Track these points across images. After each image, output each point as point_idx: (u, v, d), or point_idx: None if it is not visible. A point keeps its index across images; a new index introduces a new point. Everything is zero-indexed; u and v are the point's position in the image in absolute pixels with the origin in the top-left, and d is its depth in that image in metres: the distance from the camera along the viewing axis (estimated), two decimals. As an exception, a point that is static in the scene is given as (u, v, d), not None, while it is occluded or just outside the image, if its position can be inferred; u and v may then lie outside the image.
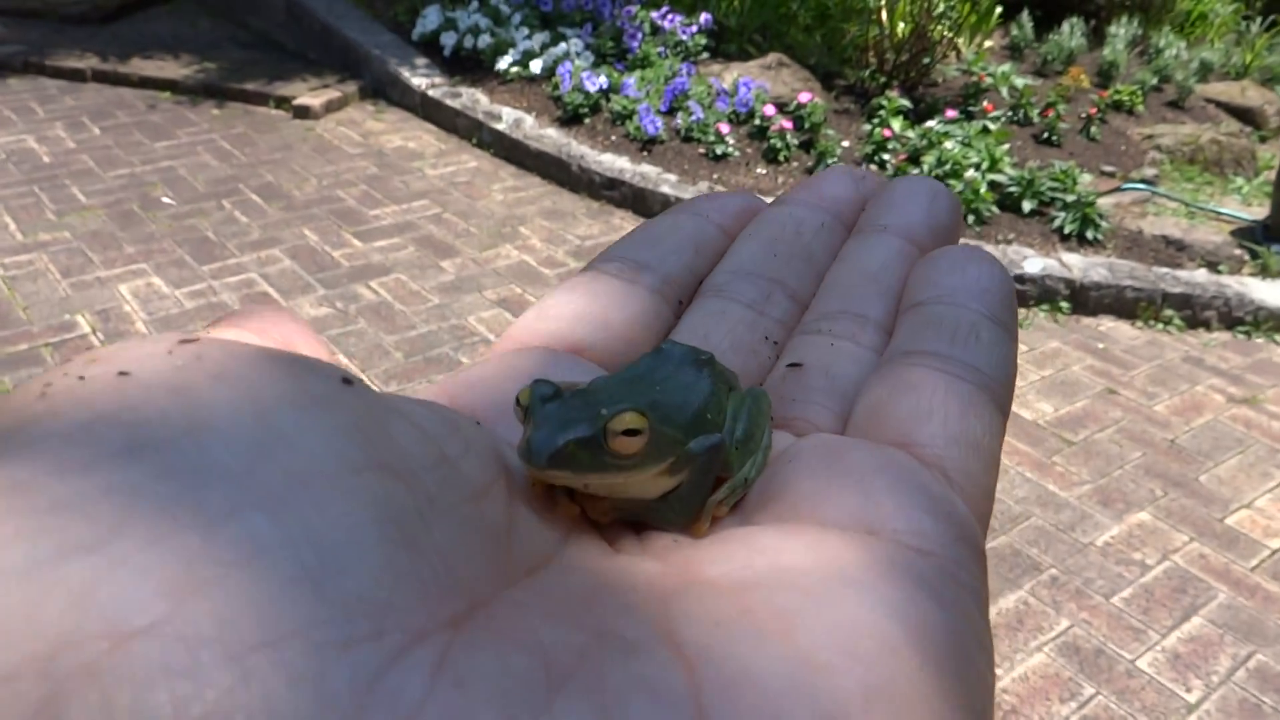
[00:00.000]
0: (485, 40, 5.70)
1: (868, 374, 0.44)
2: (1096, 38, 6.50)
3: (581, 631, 0.27)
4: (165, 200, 4.48)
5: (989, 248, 4.03)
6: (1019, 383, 3.46)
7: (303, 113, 5.49)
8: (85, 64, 5.97)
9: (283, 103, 5.59)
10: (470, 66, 5.72)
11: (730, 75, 5.32)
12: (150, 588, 0.21)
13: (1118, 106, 5.61)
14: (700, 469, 0.39)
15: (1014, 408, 3.31)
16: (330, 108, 5.58)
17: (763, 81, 5.18)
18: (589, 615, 0.28)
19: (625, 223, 4.49)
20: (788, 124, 4.87)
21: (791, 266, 0.51)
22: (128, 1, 7.05)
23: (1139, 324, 3.92)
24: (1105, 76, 6.03)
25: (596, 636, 0.26)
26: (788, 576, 0.30)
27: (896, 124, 4.89)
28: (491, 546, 0.30)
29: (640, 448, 0.37)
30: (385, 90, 5.76)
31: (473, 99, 5.36)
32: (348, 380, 0.30)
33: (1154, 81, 5.95)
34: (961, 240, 0.50)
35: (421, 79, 5.55)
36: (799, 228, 0.52)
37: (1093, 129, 5.27)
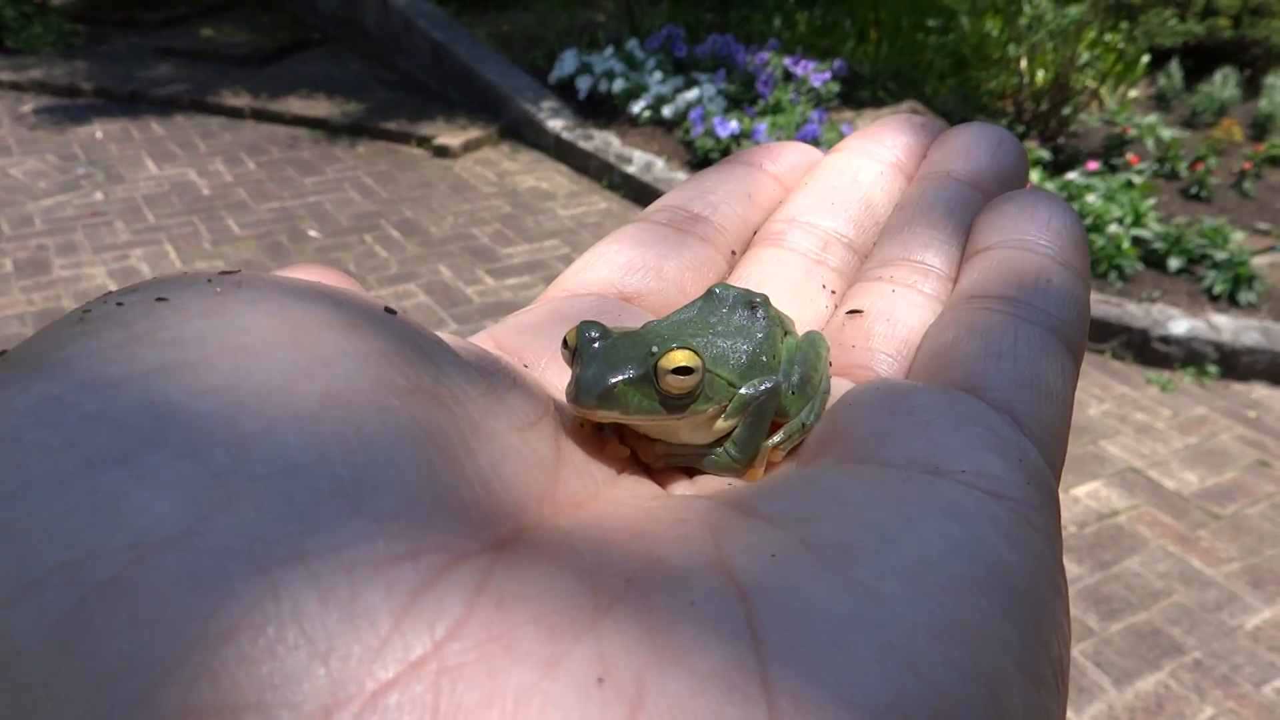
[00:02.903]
0: (619, 84, 5.82)
1: (930, 320, 0.42)
2: (1252, 88, 6.21)
3: (630, 559, 0.26)
4: (311, 234, 4.71)
5: (1131, 308, 3.87)
6: (1160, 448, 3.30)
7: (442, 152, 5.69)
8: (244, 102, 6.34)
9: (424, 142, 5.82)
10: (604, 110, 5.84)
11: (863, 122, 5.29)
12: (178, 500, 0.21)
13: (1274, 161, 5.33)
14: (756, 413, 0.38)
15: (1156, 476, 3.16)
16: (468, 147, 5.77)
17: (896, 129, 5.13)
18: (637, 544, 0.27)
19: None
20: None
21: (850, 214, 0.49)
22: (285, 44, 7.47)
23: (1295, 393, 3.70)
24: (1260, 129, 5.75)
25: (646, 564, 0.25)
26: (849, 512, 0.29)
27: (1035, 175, 4.77)
28: (538, 475, 0.30)
29: (693, 386, 0.36)
30: (521, 131, 5.93)
31: (605, 142, 5.46)
32: (391, 310, 0.30)
33: (1315, 135, 5.65)
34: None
35: (556, 121, 5.69)
36: (857, 175, 0.50)
37: (1246, 184, 5.03)
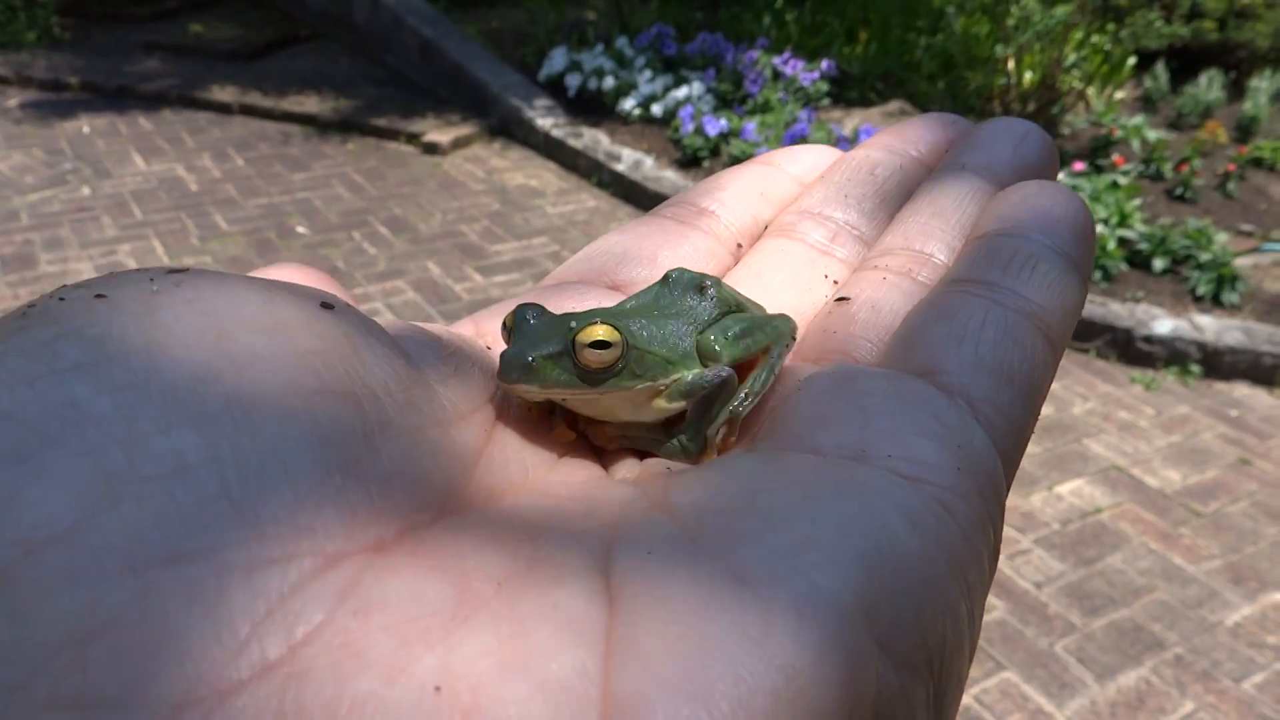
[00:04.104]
0: (609, 82, 5.82)
1: None
2: (1237, 91, 6.26)
3: (514, 559, 0.26)
4: (300, 230, 4.70)
5: (1115, 307, 3.90)
6: (1143, 446, 3.33)
7: (431, 149, 5.69)
8: (232, 98, 6.32)
9: (413, 139, 5.81)
10: (593, 108, 5.85)
11: (851, 122, 5.31)
12: (67, 498, 0.22)
13: (1258, 163, 5.38)
14: (704, 401, 0.39)
15: (1138, 474, 3.18)
16: (457, 144, 5.77)
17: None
18: (528, 544, 0.27)
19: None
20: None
21: (862, 208, 0.49)
22: (274, 39, 7.45)
23: (1277, 392, 3.73)
24: (1245, 131, 5.80)
25: (525, 566, 0.26)
26: (753, 500, 0.29)
27: (1021, 175, 4.79)
28: (450, 471, 0.30)
29: (611, 361, 0.37)
30: (510, 129, 5.93)
31: (594, 139, 5.47)
32: (328, 305, 0.31)
33: (1299, 137, 5.70)
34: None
35: (545, 119, 5.69)
36: (873, 170, 0.50)
37: (1230, 186, 5.07)
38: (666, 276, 0.42)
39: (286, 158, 5.61)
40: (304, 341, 0.28)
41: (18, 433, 0.23)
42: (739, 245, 0.49)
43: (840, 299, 0.43)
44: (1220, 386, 3.77)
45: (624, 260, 0.47)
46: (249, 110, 6.25)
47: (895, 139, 0.52)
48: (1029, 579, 2.70)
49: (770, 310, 0.45)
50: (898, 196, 0.49)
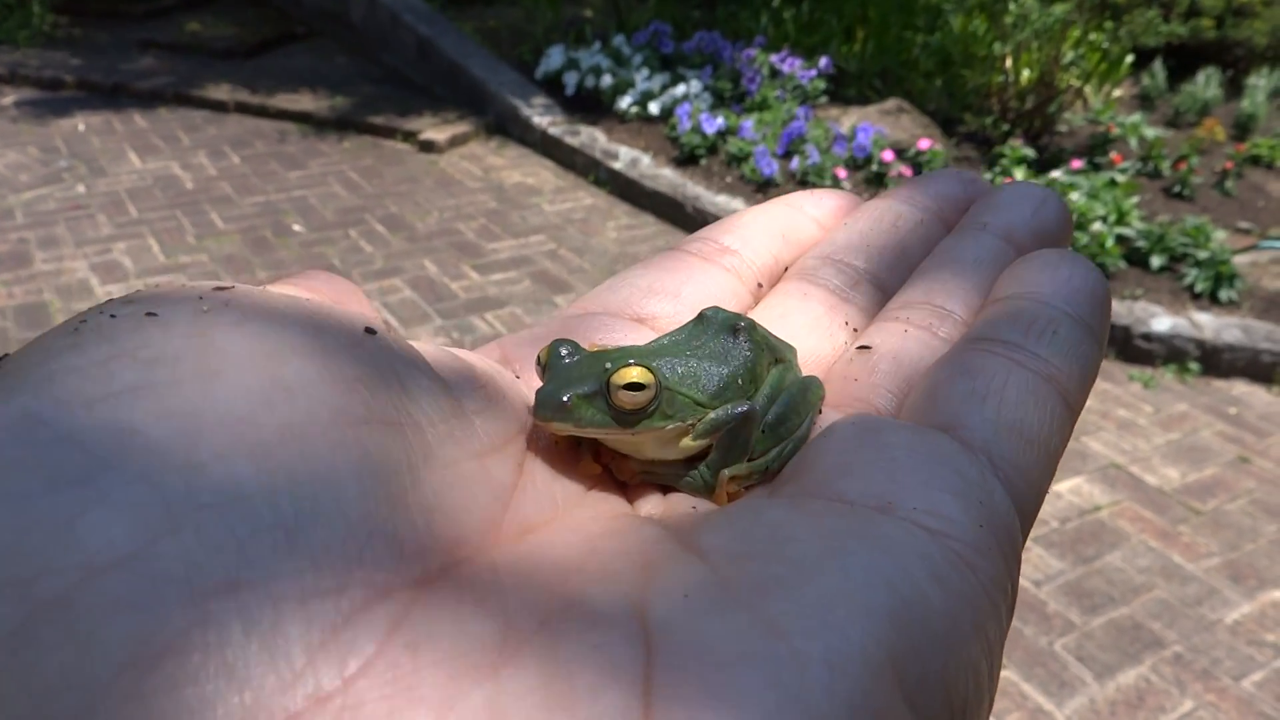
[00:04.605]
0: (606, 80, 5.81)
1: None
2: (1234, 88, 6.26)
3: (552, 598, 0.26)
4: (296, 228, 4.69)
5: (1114, 305, 3.89)
6: (1141, 444, 3.33)
7: (428, 147, 5.67)
8: (228, 96, 6.31)
9: (409, 137, 5.80)
10: (590, 106, 5.84)
11: (849, 120, 5.31)
12: (128, 524, 0.22)
13: (1255, 161, 5.38)
14: (728, 436, 0.39)
15: (1137, 472, 3.18)
16: (454, 142, 5.76)
17: (881, 127, 5.15)
18: (565, 583, 0.28)
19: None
20: (906, 170, 4.82)
21: (884, 258, 0.49)
22: (270, 37, 7.44)
23: (1276, 390, 3.73)
24: (1243, 129, 5.80)
25: (564, 604, 0.26)
26: (782, 548, 0.29)
27: (1019, 173, 4.79)
28: (488, 503, 0.31)
29: (645, 402, 0.37)
30: (507, 127, 5.92)
31: (591, 137, 5.46)
32: (371, 330, 0.31)
33: (1296, 135, 5.70)
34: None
35: (542, 117, 5.68)
36: (896, 221, 0.51)
37: (1228, 184, 5.06)
38: (701, 315, 0.42)
39: (283, 156, 5.59)
40: (350, 368, 0.28)
41: (77, 456, 0.23)
42: (759, 285, 0.50)
43: (861, 347, 0.44)
44: (1219, 384, 3.76)
45: (649, 294, 0.48)
46: (245, 108, 6.24)
47: (917, 192, 0.53)
48: (1028, 577, 2.70)
49: (792, 342, 0.45)
50: (917, 249, 0.50)
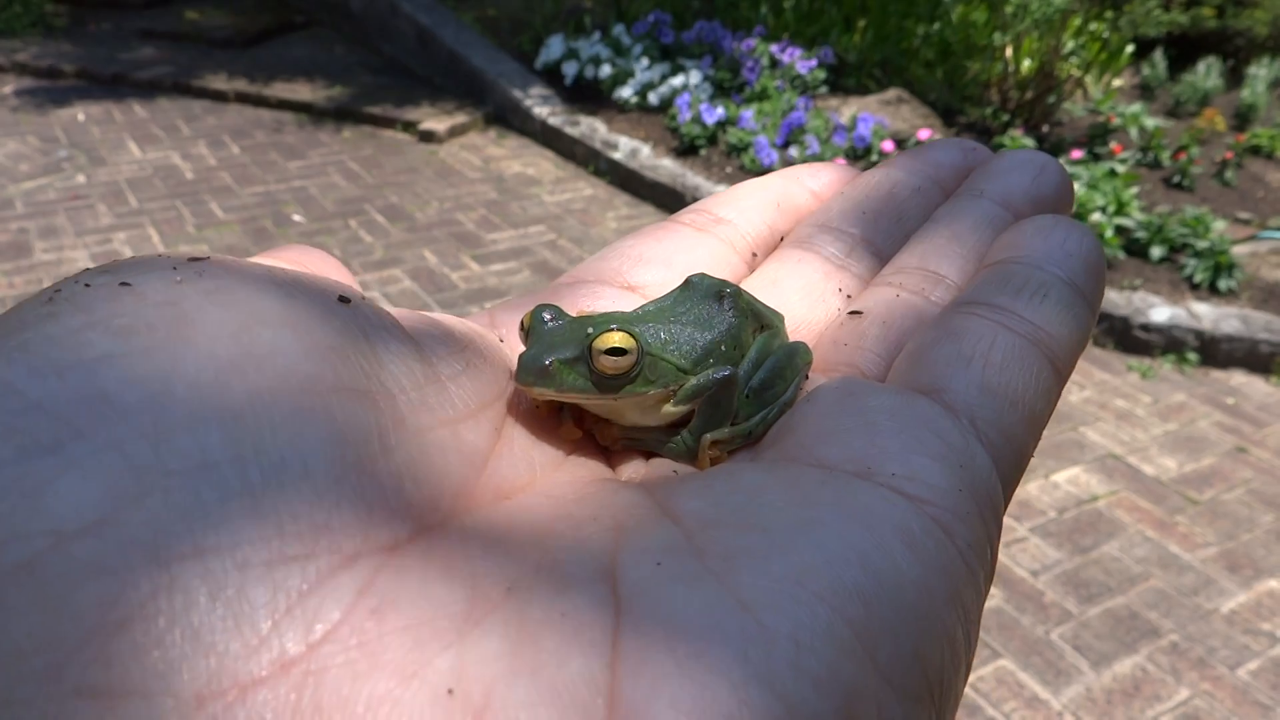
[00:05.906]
0: (606, 70, 5.80)
1: None
2: (1234, 78, 6.25)
3: (522, 563, 0.26)
4: (296, 218, 4.69)
5: (1112, 295, 3.90)
6: (1139, 434, 3.34)
7: (428, 137, 5.67)
8: (228, 86, 6.29)
9: (409, 127, 5.79)
10: (590, 96, 5.83)
11: (848, 110, 5.30)
12: (96, 491, 0.22)
13: (1255, 151, 5.38)
14: (710, 401, 0.39)
15: (1135, 462, 3.19)
16: (454, 133, 5.75)
17: (881, 117, 5.14)
18: (537, 547, 0.28)
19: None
20: (906, 161, 4.81)
21: (879, 225, 0.49)
22: (269, 27, 7.42)
23: (1274, 380, 3.74)
24: (1243, 119, 5.79)
25: (534, 569, 0.26)
26: (756, 515, 0.29)
27: (1019, 163, 4.78)
28: (461, 469, 0.31)
29: (627, 367, 0.37)
30: (507, 117, 5.91)
31: (591, 128, 5.45)
32: (345, 299, 0.31)
33: (1296, 125, 5.69)
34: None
35: (542, 107, 5.67)
36: (893, 188, 0.51)
37: (1228, 174, 5.06)
38: (687, 281, 0.42)
39: (282, 146, 5.59)
40: (322, 337, 0.29)
41: (48, 423, 0.23)
42: (754, 255, 0.50)
43: (853, 312, 0.44)
44: (1217, 374, 3.77)
45: (639, 262, 0.47)
46: (244, 98, 6.23)
47: (915, 160, 0.52)
48: (1025, 567, 2.71)
49: (778, 308, 0.45)
50: (915, 216, 0.50)
